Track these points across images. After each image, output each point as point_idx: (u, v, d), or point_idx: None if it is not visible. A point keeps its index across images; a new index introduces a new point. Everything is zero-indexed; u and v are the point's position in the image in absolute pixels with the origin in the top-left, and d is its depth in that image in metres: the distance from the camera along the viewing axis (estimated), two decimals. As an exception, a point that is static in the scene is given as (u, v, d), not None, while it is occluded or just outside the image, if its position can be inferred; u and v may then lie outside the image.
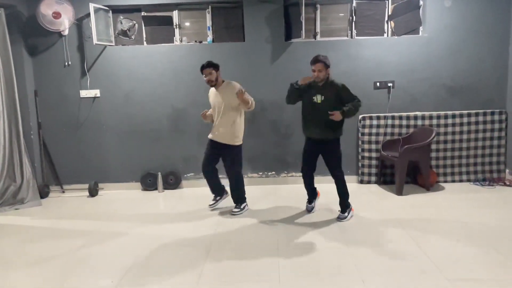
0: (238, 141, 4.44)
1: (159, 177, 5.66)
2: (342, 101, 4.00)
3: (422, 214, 4.39)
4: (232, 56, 5.54)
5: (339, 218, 4.23)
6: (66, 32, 5.46)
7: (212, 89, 4.50)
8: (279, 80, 5.54)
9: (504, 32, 5.38)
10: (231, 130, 4.37)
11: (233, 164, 4.46)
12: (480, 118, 5.45)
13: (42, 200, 5.37)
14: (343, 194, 4.26)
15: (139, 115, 5.70)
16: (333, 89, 4.00)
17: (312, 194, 4.50)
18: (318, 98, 4.03)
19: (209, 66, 4.29)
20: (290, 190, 5.42)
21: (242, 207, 4.56)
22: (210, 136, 4.53)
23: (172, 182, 5.73)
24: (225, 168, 4.52)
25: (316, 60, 3.97)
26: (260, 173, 5.79)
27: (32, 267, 3.46)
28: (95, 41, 5.30)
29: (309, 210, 4.50)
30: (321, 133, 4.09)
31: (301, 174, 4.39)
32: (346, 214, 4.25)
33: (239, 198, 4.58)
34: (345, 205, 4.28)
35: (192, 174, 5.73)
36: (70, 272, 3.34)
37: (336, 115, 3.93)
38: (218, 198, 4.74)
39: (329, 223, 4.19)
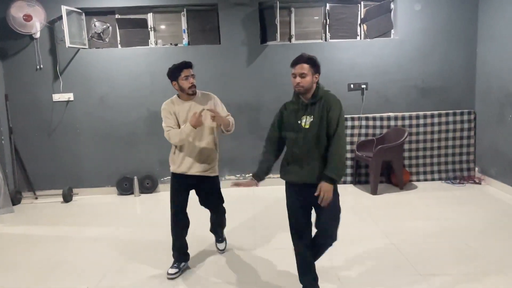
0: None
1: (135, 181, 5.60)
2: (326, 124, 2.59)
3: (396, 212, 4.50)
4: (208, 59, 5.55)
5: None
6: (37, 35, 5.36)
7: (179, 101, 3.19)
8: (255, 82, 5.59)
9: (471, 34, 5.57)
10: (214, 157, 3.28)
11: (219, 197, 3.41)
12: (450, 118, 5.62)
13: (14, 206, 5.24)
14: (318, 258, 2.85)
15: (114, 119, 5.64)
16: (325, 105, 2.61)
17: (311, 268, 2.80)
18: (305, 121, 2.61)
19: (192, 66, 3.14)
20: (268, 192, 5.45)
21: (224, 237, 3.67)
22: (181, 169, 3.19)
23: (149, 186, 5.68)
24: (205, 205, 3.41)
25: (298, 60, 2.61)
26: (238, 175, 5.80)
27: (5, 274, 3.39)
28: (67, 44, 5.21)
29: None
30: (309, 175, 2.60)
31: (297, 246, 2.77)
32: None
33: (223, 225, 3.62)
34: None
35: (169, 177, 5.68)
36: (45, 278, 3.28)
37: (324, 189, 2.51)
38: (183, 264, 3.32)
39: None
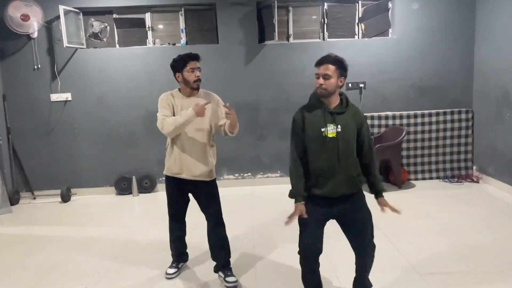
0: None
1: (134, 181, 5.60)
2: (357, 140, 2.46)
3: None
4: (206, 59, 5.49)
5: None
6: (35, 35, 5.34)
7: (180, 96, 2.96)
8: (254, 81, 5.59)
9: (469, 34, 5.58)
10: (213, 160, 3.05)
11: (217, 205, 3.08)
12: (448, 117, 5.63)
13: (12, 207, 5.23)
14: (366, 277, 2.77)
15: (112, 119, 5.63)
16: (355, 117, 2.43)
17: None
18: (329, 129, 2.36)
19: (199, 58, 2.94)
20: (266, 191, 5.46)
21: (231, 268, 3.16)
22: (172, 171, 2.98)
23: (147, 185, 5.68)
24: (204, 213, 3.12)
25: (323, 59, 2.36)
26: (236, 175, 5.80)
27: (3, 274, 3.38)
28: (65, 43, 5.20)
29: None
30: (341, 186, 2.43)
31: (304, 265, 2.60)
32: None
33: (229, 255, 3.16)
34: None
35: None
36: (43, 279, 3.28)
37: (385, 203, 2.66)
38: (181, 264, 3.31)
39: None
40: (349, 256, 3.43)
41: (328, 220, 2.54)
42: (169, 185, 3.08)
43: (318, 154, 2.40)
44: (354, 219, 2.53)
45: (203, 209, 3.09)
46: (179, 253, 3.27)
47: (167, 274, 3.17)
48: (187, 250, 3.34)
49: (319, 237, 2.51)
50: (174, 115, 2.88)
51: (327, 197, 2.43)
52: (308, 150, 2.43)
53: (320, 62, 2.37)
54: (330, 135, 2.35)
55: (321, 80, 2.33)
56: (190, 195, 3.11)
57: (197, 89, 2.94)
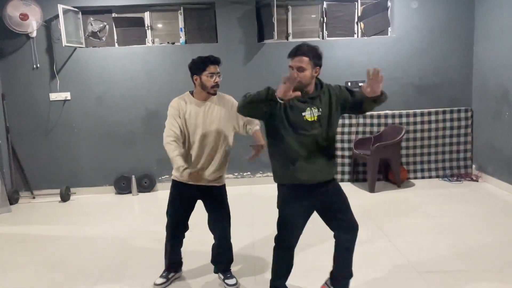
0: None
1: (133, 180, 5.60)
2: (354, 104, 2.48)
3: (393, 210, 4.51)
4: (205, 58, 5.54)
5: None
6: (34, 34, 5.34)
7: (193, 100, 2.82)
8: (253, 80, 5.58)
9: (468, 32, 5.58)
10: (224, 166, 2.97)
11: (226, 210, 3.02)
12: (447, 116, 5.63)
13: (12, 206, 5.22)
14: (351, 262, 2.66)
15: (112, 118, 5.63)
16: (331, 97, 2.43)
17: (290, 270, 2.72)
18: (310, 114, 2.36)
19: (220, 63, 2.79)
20: (266, 190, 5.46)
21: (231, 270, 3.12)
22: (184, 178, 2.78)
23: (147, 185, 5.68)
24: (212, 220, 3.03)
25: (296, 51, 2.32)
26: (236, 174, 5.80)
27: (3, 274, 3.38)
28: (64, 43, 5.20)
29: None
30: (323, 170, 2.44)
31: (283, 253, 2.62)
32: None
33: (231, 259, 3.12)
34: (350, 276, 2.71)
35: (167, 176, 5.69)
36: (43, 278, 3.28)
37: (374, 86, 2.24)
38: (172, 275, 3.12)
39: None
40: (354, 257, 3.44)
41: (312, 212, 2.54)
42: (177, 191, 2.91)
43: (301, 140, 2.36)
44: (334, 207, 2.53)
45: (212, 214, 2.99)
46: (173, 263, 3.11)
47: (155, 285, 3.01)
48: (182, 259, 3.18)
49: (301, 232, 2.54)
50: (185, 123, 2.78)
51: (308, 184, 2.40)
52: (290, 136, 2.37)
53: (293, 54, 2.31)
54: (310, 119, 2.35)
55: (295, 73, 2.29)
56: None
57: (214, 94, 2.80)
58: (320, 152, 2.40)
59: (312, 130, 2.36)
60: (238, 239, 3.78)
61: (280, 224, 2.54)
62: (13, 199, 5.37)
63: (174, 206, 2.95)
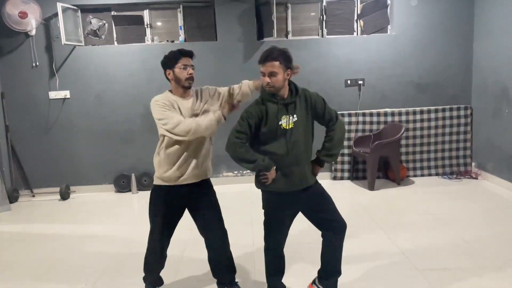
0: None
1: (133, 179, 5.60)
2: (318, 120, 2.53)
3: (393, 208, 4.52)
4: (204, 56, 5.53)
5: None
6: (33, 32, 5.33)
7: (175, 98, 2.63)
8: (252, 79, 5.56)
9: (468, 30, 5.57)
10: (210, 158, 2.77)
11: (217, 207, 2.78)
12: (447, 114, 5.63)
13: (11, 204, 5.23)
14: (339, 260, 2.66)
15: (111, 116, 5.62)
16: (307, 102, 2.45)
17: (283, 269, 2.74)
18: (287, 121, 2.38)
19: (193, 55, 2.67)
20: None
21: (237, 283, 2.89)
22: (175, 178, 2.59)
23: (146, 183, 5.68)
24: (203, 221, 2.74)
25: (267, 57, 2.37)
26: (235, 172, 5.80)
27: (3, 272, 3.38)
28: (63, 41, 5.19)
29: None
30: (305, 177, 2.47)
31: (271, 253, 2.64)
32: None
33: (235, 271, 2.87)
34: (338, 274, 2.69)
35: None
36: (42, 276, 3.28)
37: (316, 170, 2.54)
38: None
39: (303, 218, 4.24)
40: (347, 251, 3.45)
41: (296, 215, 2.57)
42: (163, 196, 2.63)
43: (279, 147, 2.38)
44: (321, 208, 2.53)
45: (203, 214, 2.71)
46: (158, 277, 2.89)
47: None
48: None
49: (286, 236, 2.58)
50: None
51: (291, 191, 2.44)
52: (268, 145, 2.40)
53: (264, 59, 2.35)
54: (286, 127, 2.36)
55: (267, 79, 2.34)
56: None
57: (189, 87, 2.62)
58: (300, 159, 2.42)
59: (291, 137, 2.38)
60: (238, 238, 3.78)
61: (266, 228, 2.58)
62: (13, 198, 5.38)
63: (163, 211, 2.64)
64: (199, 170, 2.63)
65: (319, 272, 2.71)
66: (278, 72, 2.33)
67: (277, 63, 2.33)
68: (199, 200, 2.68)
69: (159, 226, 2.66)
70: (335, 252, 2.61)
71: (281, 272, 2.69)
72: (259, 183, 2.51)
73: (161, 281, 2.93)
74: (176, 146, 2.56)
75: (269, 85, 2.34)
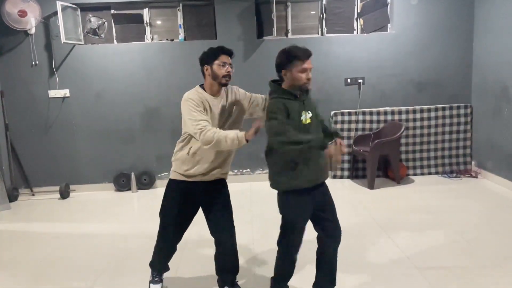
0: None
1: (133, 177, 5.60)
2: None
3: (392, 206, 4.52)
4: (204, 54, 5.54)
5: None
6: (32, 31, 5.32)
7: (206, 96, 2.59)
8: (252, 77, 5.56)
9: (468, 28, 5.57)
10: (232, 158, 2.80)
11: (230, 208, 2.80)
12: (447, 112, 5.63)
13: (11, 203, 5.22)
14: (335, 267, 2.62)
15: (111, 115, 5.62)
16: (311, 99, 2.54)
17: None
18: (304, 118, 2.40)
19: (233, 54, 2.67)
20: (265, 187, 5.45)
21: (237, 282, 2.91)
22: (195, 175, 2.64)
23: (146, 182, 5.68)
24: (215, 221, 2.73)
25: (310, 53, 2.39)
26: (235, 171, 5.81)
27: (2, 271, 3.38)
28: (63, 40, 5.18)
29: None
30: (323, 171, 2.50)
31: (291, 257, 2.60)
32: None
33: (238, 269, 2.88)
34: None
35: (166, 173, 5.69)
36: (42, 275, 3.28)
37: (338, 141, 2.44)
38: (163, 275, 3.02)
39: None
40: (347, 249, 3.45)
41: (312, 211, 2.50)
42: (180, 191, 2.69)
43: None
44: (326, 208, 2.52)
45: (216, 214, 2.72)
46: (166, 265, 2.97)
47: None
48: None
49: (304, 228, 2.52)
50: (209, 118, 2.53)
51: (310, 187, 2.42)
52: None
53: (308, 55, 2.35)
54: (305, 122, 2.38)
55: (309, 75, 2.35)
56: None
57: (226, 85, 2.62)
58: (318, 154, 2.40)
59: (309, 132, 2.38)
60: (238, 237, 3.79)
61: (284, 231, 2.53)
62: (12, 196, 5.37)
63: (178, 206, 2.69)
64: (221, 170, 2.68)
65: (314, 284, 2.67)
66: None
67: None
68: (214, 199, 2.70)
69: (174, 218, 2.71)
70: (331, 257, 2.58)
71: (290, 276, 2.66)
72: (282, 180, 2.44)
73: (167, 267, 2.97)
74: (203, 148, 2.50)
75: (309, 81, 2.36)
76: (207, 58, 2.59)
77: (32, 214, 4.90)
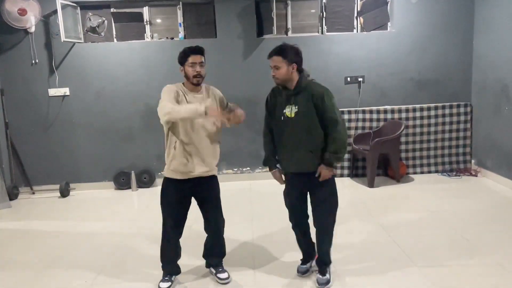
0: None
1: (133, 176, 5.60)
2: (319, 117, 2.64)
3: (392, 205, 4.52)
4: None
5: (321, 284, 2.85)
6: (32, 29, 5.32)
7: (186, 90, 2.79)
8: (252, 76, 5.58)
9: (468, 27, 5.56)
10: (217, 154, 2.91)
11: (218, 202, 3.00)
12: (447, 111, 5.63)
13: (11, 202, 5.22)
14: (327, 252, 2.90)
15: (111, 113, 5.62)
16: (315, 95, 2.62)
17: (308, 251, 3.03)
18: (289, 111, 2.64)
19: (203, 52, 2.78)
20: (265, 186, 5.47)
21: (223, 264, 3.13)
22: (181, 172, 2.79)
23: (146, 180, 5.68)
24: (207, 213, 2.99)
25: (270, 53, 2.69)
26: (235, 169, 5.81)
27: (2, 269, 3.39)
28: (63, 38, 5.18)
29: (302, 272, 3.01)
30: (299, 164, 2.71)
31: (291, 225, 2.96)
32: (327, 276, 2.89)
33: (224, 254, 3.13)
34: (325, 263, 2.92)
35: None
36: (42, 273, 3.29)
37: (323, 173, 2.65)
38: (174, 276, 3.06)
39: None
40: (347, 248, 3.46)
41: (301, 192, 2.83)
42: (171, 189, 2.84)
43: (281, 133, 2.71)
44: (316, 203, 2.78)
45: (205, 205, 2.94)
46: (175, 265, 3.04)
47: None
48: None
49: (302, 211, 2.87)
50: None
51: (289, 172, 2.78)
52: (276, 131, 2.77)
53: (269, 55, 2.69)
54: (289, 116, 2.64)
55: (272, 72, 2.66)
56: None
57: (197, 84, 2.76)
58: (299, 146, 2.65)
59: (292, 125, 2.65)
60: (238, 234, 3.80)
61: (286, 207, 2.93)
62: (12, 195, 5.38)
63: (168, 206, 2.91)
64: (203, 167, 2.79)
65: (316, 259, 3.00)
66: (280, 66, 2.62)
67: (278, 57, 2.63)
68: (203, 194, 2.90)
69: (169, 216, 2.90)
70: (322, 244, 2.90)
71: (302, 248, 3.04)
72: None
73: (178, 270, 3.06)
74: (178, 142, 2.74)
75: (274, 78, 2.67)
76: (181, 59, 2.77)
77: (32, 213, 4.90)
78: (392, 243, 3.52)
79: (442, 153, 5.71)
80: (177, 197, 2.84)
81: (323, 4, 5.66)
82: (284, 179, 2.88)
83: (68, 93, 5.54)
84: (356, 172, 5.71)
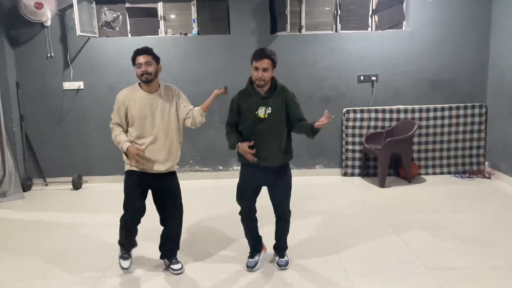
0: None
1: (144, 170, 5.63)
2: (288, 116, 2.91)
3: (403, 206, 4.48)
4: (217, 49, 5.54)
5: (281, 265, 3.13)
6: (48, 23, 5.38)
7: (138, 93, 2.95)
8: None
9: (485, 27, 5.48)
10: (178, 152, 3.14)
11: (178, 197, 3.18)
12: (461, 112, 5.56)
13: (24, 193, 5.31)
14: (284, 238, 3.20)
15: (124, 108, 5.66)
16: (283, 98, 2.88)
17: (257, 244, 3.21)
18: (262, 112, 2.84)
19: (148, 52, 2.88)
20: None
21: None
22: (136, 166, 3.07)
23: (157, 174, 5.71)
24: (161, 208, 3.22)
25: (262, 55, 2.81)
26: (229, 168, 5.80)
27: (15, 259, 3.45)
28: (78, 32, 5.23)
29: (251, 266, 3.13)
30: (268, 159, 2.88)
31: (240, 218, 3.10)
32: (286, 258, 3.18)
33: (178, 246, 3.28)
34: (284, 248, 3.22)
35: (177, 166, 5.71)
36: (54, 264, 3.34)
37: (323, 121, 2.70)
38: (131, 252, 3.29)
39: (313, 214, 4.25)
40: (357, 248, 3.45)
41: (259, 186, 3.02)
42: (132, 182, 3.16)
43: (252, 132, 2.87)
44: (275, 190, 3.01)
45: (164, 201, 3.16)
46: (135, 241, 3.29)
47: (124, 268, 3.16)
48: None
49: (254, 200, 3.03)
50: (126, 113, 2.95)
51: (256, 166, 2.90)
52: (244, 128, 2.93)
53: (259, 57, 2.79)
54: (262, 116, 2.84)
55: (260, 73, 2.78)
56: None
57: (147, 82, 2.90)
58: (269, 143, 2.86)
59: (263, 125, 2.84)
60: (233, 229, 3.79)
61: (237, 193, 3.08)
62: (26, 186, 5.46)
63: (129, 198, 3.21)
64: (161, 165, 3.02)
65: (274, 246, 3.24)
66: (268, 69, 2.81)
67: (268, 61, 2.81)
68: (160, 188, 3.11)
69: (128, 201, 3.20)
70: (282, 232, 3.19)
71: (251, 233, 3.17)
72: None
73: (135, 243, 3.28)
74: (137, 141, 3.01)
75: (261, 79, 2.80)
76: (132, 61, 2.92)
77: (45, 204, 4.97)
78: (401, 244, 3.49)
79: (455, 154, 5.65)
80: (135, 189, 3.19)
81: (337, 2, 5.62)
82: (241, 170, 3.05)
83: (82, 87, 5.60)
84: (367, 171, 5.68)
